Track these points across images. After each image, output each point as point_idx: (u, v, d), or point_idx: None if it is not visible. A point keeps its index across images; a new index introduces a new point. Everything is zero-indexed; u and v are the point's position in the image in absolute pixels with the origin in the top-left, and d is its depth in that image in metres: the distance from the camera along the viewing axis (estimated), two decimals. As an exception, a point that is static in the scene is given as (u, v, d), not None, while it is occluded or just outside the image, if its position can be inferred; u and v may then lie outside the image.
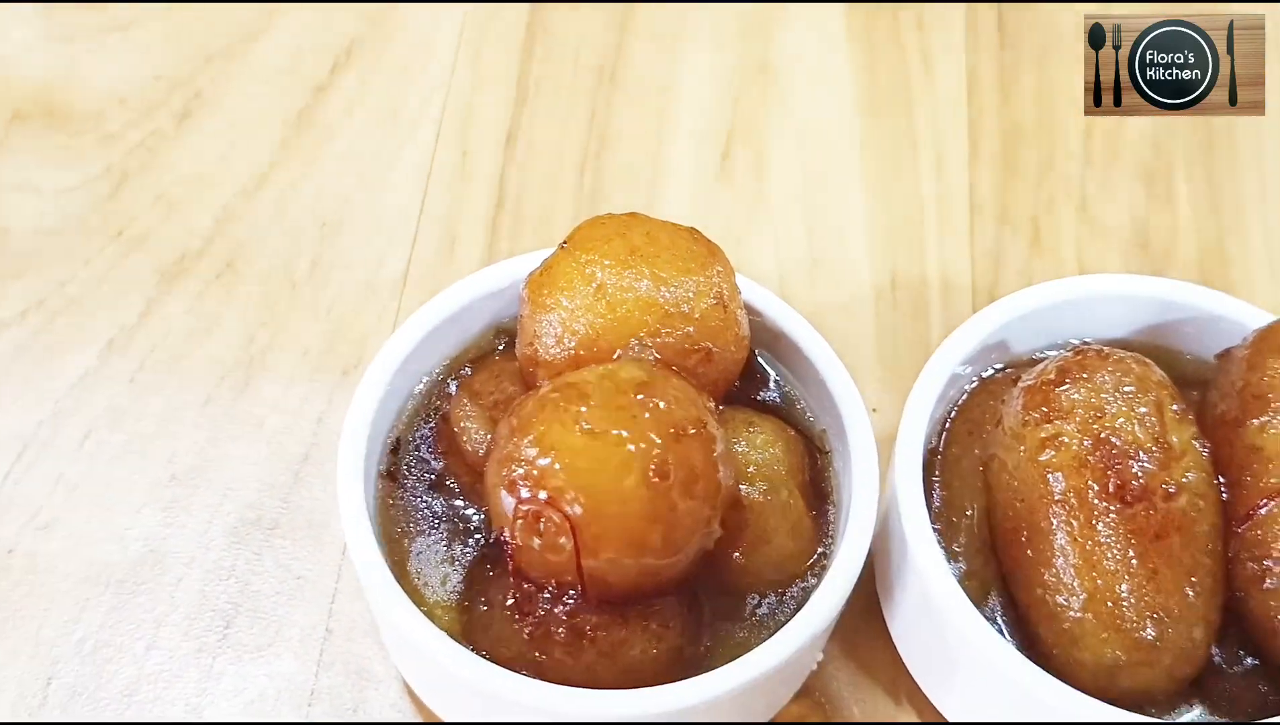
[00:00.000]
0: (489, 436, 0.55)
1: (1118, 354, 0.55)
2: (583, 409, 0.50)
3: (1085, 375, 0.54)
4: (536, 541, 0.50)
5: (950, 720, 0.59)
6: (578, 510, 0.49)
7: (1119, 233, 0.79)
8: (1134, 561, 0.52)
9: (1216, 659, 0.55)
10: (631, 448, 0.49)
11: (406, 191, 0.79)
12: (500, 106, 0.82)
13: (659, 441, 0.49)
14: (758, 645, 0.52)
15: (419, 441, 0.59)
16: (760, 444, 0.56)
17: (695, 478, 0.50)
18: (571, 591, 0.51)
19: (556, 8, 0.87)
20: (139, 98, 0.82)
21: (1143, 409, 0.54)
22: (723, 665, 0.52)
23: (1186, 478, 0.53)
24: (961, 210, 0.79)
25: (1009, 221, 0.79)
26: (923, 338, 0.74)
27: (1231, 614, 0.54)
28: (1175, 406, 0.55)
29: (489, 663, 0.51)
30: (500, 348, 0.61)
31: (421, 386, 0.60)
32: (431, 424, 0.59)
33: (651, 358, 0.54)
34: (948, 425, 0.61)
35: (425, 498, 0.58)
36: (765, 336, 0.61)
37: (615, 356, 0.54)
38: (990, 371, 0.63)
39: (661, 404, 0.50)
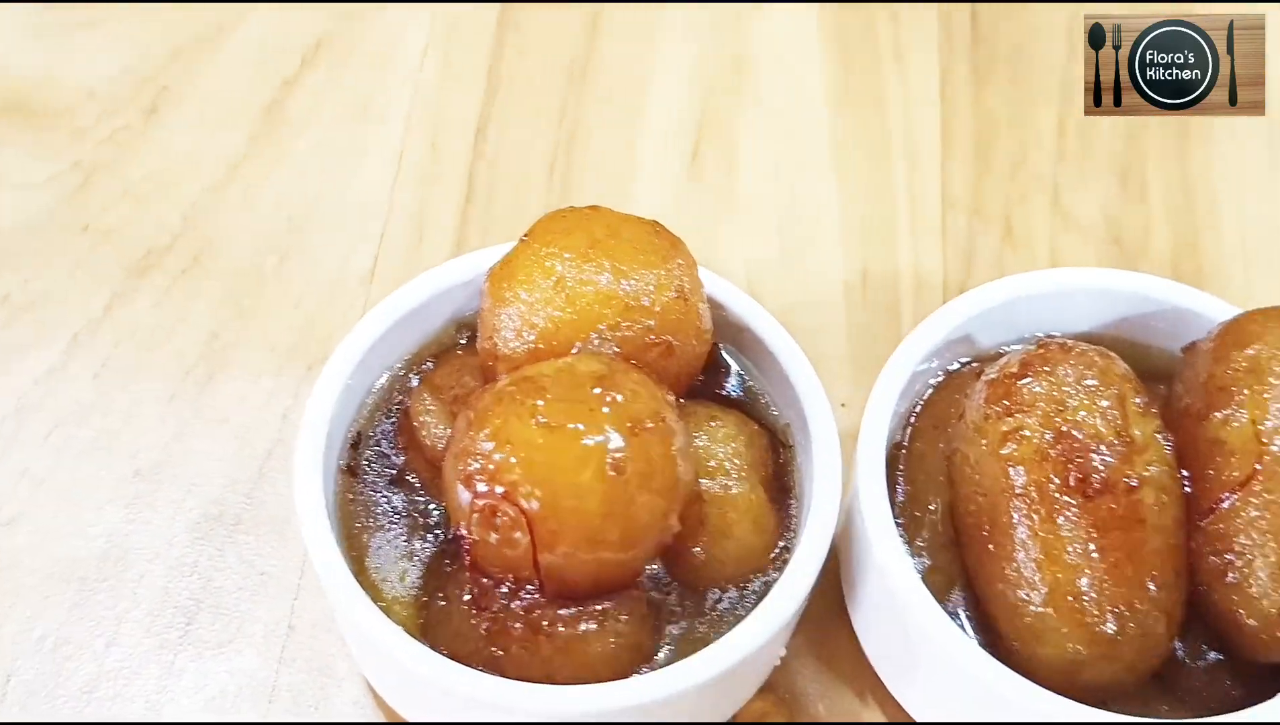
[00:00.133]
0: (449, 431, 0.55)
1: (1080, 347, 0.55)
2: (539, 403, 0.49)
3: (1047, 368, 0.54)
4: (493, 536, 0.49)
5: (914, 716, 0.59)
6: (534, 505, 0.48)
7: (1092, 227, 0.78)
8: (1095, 555, 0.51)
9: (1180, 653, 0.54)
10: (588, 442, 0.49)
11: (375, 186, 0.78)
12: (470, 101, 0.82)
13: (617, 435, 0.49)
14: (717, 640, 0.52)
15: (380, 436, 0.59)
16: (722, 438, 0.56)
17: (653, 472, 0.50)
18: (529, 586, 0.51)
19: (527, 5, 0.87)
20: (107, 93, 0.81)
21: (1105, 402, 0.53)
22: (682, 660, 0.51)
23: (1149, 471, 0.53)
24: (934, 205, 0.79)
25: (982, 217, 0.78)
26: (894, 333, 0.73)
27: (1195, 608, 0.54)
28: (1138, 400, 0.54)
29: (445, 659, 0.51)
30: (463, 342, 0.61)
31: (383, 381, 0.60)
32: (393, 419, 0.59)
33: (611, 351, 0.53)
34: (913, 420, 0.61)
35: (385, 493, 0.57)
36: (730, 330, 0.61)
37: (574, 350, 0.53)
38: (957, 366, 0.62)
39: (620, 398, 0.50)
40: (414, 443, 0.57)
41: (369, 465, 0.58)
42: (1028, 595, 0.52)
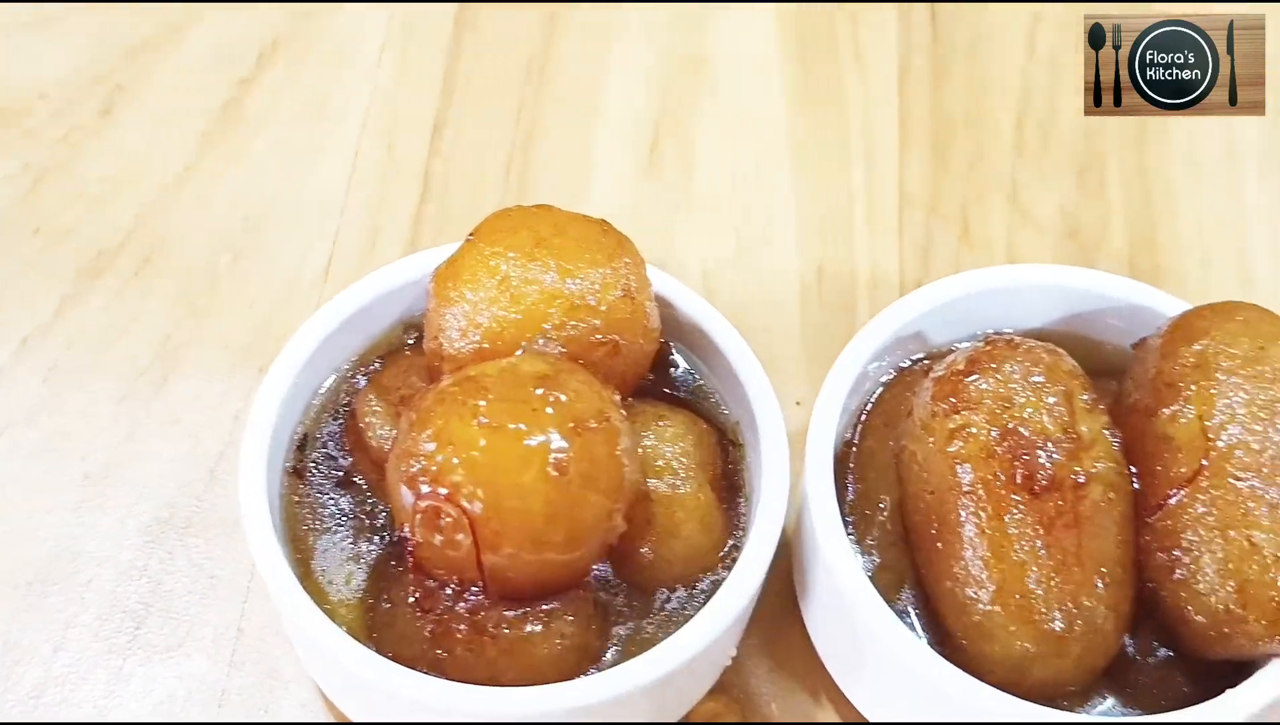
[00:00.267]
0: (394, 432, 0.55)
1: (1028, 344, 0.55)
2: (481, 403, 0.49)
3: (994, 365, 0.54)
4: (436, 538, 0.49)
5: (865, 716, 0.58)
6: (477, 506, 0.48)
7: (1050, 224, 0.78)
8: (1042, 553, 0.51)
9: (1130, 650, 0.54)
10: (531, 442, 0.48)
11: (331, 185, 0.77)
12: (426, 100, 0.82)
13: (559, 436, 0.49)
14: (665, 640, 0.52)
15: (326, 438, 0.58)
16: (670, 437, 0.55)
17: (597, 472, 0.49)
18: (473, 588, 0.51)
19: (485, 4, 0.86)
20: (60, 93, 0.80)
21: (1051, 399, 0.53)
22: (629, 661, 0.51)
23: (1096, 468, 0.53)
24: (891, 202, 0.78)
25: (939, 215, 0.78)
26: (850, 332, 0.71)
27: (1145, 605, 0.54)
28: (1086, 396, 0.54)
29: (389, 662, 0.50)
30: (411, 342, 0.61)
31: (330, 382, 0.60)
32: (339, 420, 0.59)
33: (557, 351, 0.53)
34: (864, 418, 0.60)
35: (332, 495, 0.57)
36: (679, 329, 0.60)
37: (520, 350, 0.53)
38: (908, 363, 0.62)
39: (563, 397, 0.50)
40: (360, 444, 0.57)
41: (315, 467, 0.57)
42: (975, 593, 0.52)
